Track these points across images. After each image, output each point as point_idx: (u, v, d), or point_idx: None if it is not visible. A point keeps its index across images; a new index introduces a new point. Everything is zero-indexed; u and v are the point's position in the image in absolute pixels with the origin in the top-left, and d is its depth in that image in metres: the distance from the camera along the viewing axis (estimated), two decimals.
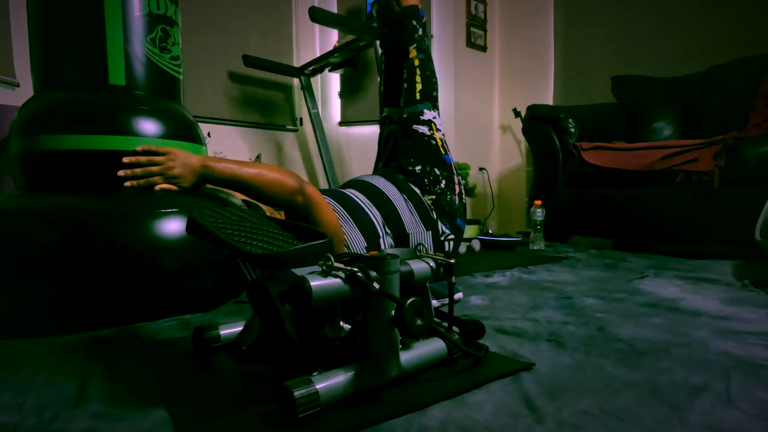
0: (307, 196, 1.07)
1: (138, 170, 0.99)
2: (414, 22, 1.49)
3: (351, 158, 3.29)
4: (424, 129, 1.41)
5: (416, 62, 1.46)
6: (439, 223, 1.32)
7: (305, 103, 2.97)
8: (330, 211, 1.12)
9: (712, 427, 0.50)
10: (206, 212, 0.69)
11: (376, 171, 1.53)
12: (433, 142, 1.40)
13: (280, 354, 0.68)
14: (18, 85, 2.04)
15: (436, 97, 1.48)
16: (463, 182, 1.45)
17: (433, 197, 1.33)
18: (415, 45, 1.48)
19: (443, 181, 1.35)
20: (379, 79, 1.67)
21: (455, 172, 1.40)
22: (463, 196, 1.42)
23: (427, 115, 1.43)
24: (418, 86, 1.45)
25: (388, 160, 1.54)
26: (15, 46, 2.06)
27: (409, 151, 1.40)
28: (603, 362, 0.69)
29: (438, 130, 1.43)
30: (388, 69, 1.60)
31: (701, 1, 2.41)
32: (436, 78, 1.50)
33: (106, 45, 1.03)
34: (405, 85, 1.47)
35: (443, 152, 1.40)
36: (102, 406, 0.57)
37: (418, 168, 1.36)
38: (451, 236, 1.34)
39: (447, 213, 1.34)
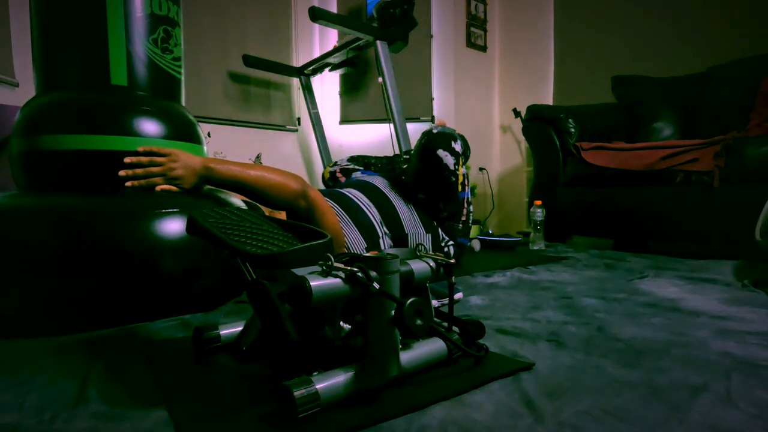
0: (310, 199, 1.07)
1: (139, 170, 0.99)
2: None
3: None
4: (449, 160, 1.20)
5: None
6: (440, 230, 1.30)
7: (305, 102, 2.97)
8: (333, 215, 1.12)
9: (712, 427, 0.50)
10: (206, 212, 0.69)
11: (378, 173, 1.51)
12: (453, 179, 1.22)
13: (280, 354, 0.68)
14: (17, 85, 2.04)
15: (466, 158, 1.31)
16: (472, 211, 1.33)
17: (435, 221, 1.29)
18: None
19: (446, 214, 1.29)
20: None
21: (467, 205, 1.28)
22: (469, 220, 1.33)
23: (458, 146, 1.23)
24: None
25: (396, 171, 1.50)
26: (15, 46, 2.06)
27: (418, 177, 1.25)
28: (603, 362, 0.69)
29: (464, 165, 1.25)
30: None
31: (701, 1, 2.41)
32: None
33: (108, 45, 1.04)
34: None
35: (460, 189, 1.26)
36: (102, 406, 0.57)
37: (420, 196, 1.28)
38: (451, 242, 1.32)
39: (448, 234, 1.30)
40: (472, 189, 2.63)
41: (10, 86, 2.02)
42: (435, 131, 1.23)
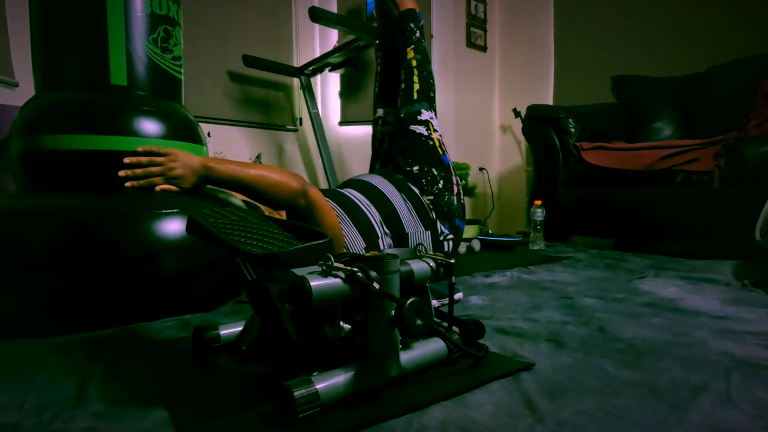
0: (310, 198, 1.07)
1: (138, 171, 0.99)
2: (412, 25, 1.50)
3: (351, 158, 3.29)
4: (421, 129, 1.41)
5: (414, 63, 1.47)
6: (438, 223, 1.32)
7: (305, 103, 2.97)
8: (332, 214, 1.12)
9: (712, 427, 0.50)
10: (206, 212, 0.69)
11: (374, 171, 1.53)
12: (431, 143, 1.40)
13: (280, 354, 0.68)
14: (17, 85, 2.04)
15: (434, 98, 1.49)
16: (462, 183, 1.45)
17: (432, 197, 1.33)
18: (413, 47, 1.49)
19: (441, 182, 1.35)
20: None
21: (453, 173, 1.40)
22: (462, 197, 1.42)
23: (425, 115, 1.43)
24: (416, 86, 1.46)
25: (385, 161, 1.54)
26: (13, 46, 2.06)
27: (406, 152, 1.40)
28: (603, 362, 0.69)
29: (435, 130, 1.43)
30: (385, 70, 1.61)
31: (701, 1, 2.41)
32: (433, 79, 1.51)
33: (108, 45, 1.04)
34: (402, 86, 1.47)
35: (441, 153, 1.40)
36: (102, 406, 0.57)
37: (416, 168, 1.36)
38: (450, 236, 1.34)
39: (445, 214, 1.34)
40: (472, 189, 2.63)
41: (10, 86, 2.02)
42: (402, 115, 1.46)
